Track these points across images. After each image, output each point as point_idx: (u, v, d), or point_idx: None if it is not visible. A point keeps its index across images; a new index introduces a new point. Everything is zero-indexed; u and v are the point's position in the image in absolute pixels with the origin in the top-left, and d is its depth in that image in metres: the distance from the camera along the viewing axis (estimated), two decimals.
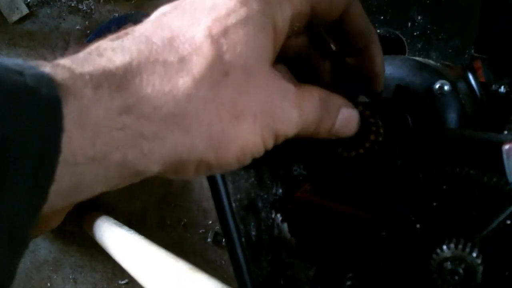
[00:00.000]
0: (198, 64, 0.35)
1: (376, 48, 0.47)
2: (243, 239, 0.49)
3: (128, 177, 0.34)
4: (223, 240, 1.74)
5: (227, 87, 0.35)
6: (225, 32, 0.36)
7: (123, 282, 1.72)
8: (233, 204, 0.48)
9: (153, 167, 0.34)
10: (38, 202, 0.29)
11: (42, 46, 1.50)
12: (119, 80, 0.32)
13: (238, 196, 0.48)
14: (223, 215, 0.47)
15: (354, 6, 0.44)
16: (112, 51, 0.34)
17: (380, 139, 0.48)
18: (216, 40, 0.36)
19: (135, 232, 1.13)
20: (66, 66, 0.32)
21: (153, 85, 0.33)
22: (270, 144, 0.39)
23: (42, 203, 0.30)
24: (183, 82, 0.34)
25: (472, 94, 0.63)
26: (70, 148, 0.30)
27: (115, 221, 1.27)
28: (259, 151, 0.38)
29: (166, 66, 0.34)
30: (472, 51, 0.65)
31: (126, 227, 1.17)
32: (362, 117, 0.48)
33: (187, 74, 0.34)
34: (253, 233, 0.49)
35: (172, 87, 0.34)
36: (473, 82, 0.63)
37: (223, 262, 1.78)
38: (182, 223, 1.77)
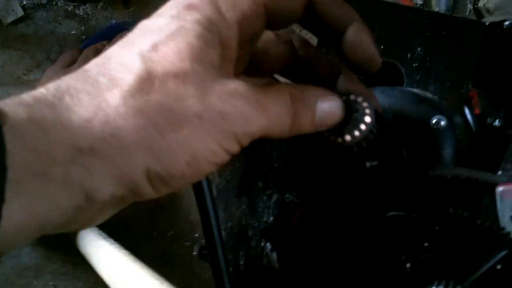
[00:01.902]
0: (126, 79, 0.35)
1: (359, 27, 0.45)
2: (231, 269, 0.49)
3: (82, 202, 0.33)
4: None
5: (161, 95, 0.35)
6: (154, 47, 0.36)
7: None
8: (223, 233, 0.47)
9: (103, 186, 0.33)
10: None
11: (36, 50, 1.49)
12: (48, 99, 0.33)
13: (229, 224, 0.47)
14: (213, 245, 0.46)
15: None
16: (50, 83, 0.35)
17: (371, 120, 0.46)
18: (145, 55, 0.36)
19: (119, 245, 1.12)
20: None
21: (83, 101, 0.33)
22: (232, 147, 0.38)
23: None
24: (112, 96, 0.34)
25: (467, 128, 0.63)
26: (13, 167, 0.29)
27: (100, 231, 1.26)
28: (218, 155, 0.37)
29: (95, 85, 0.34)
30: (470, 85, 0.65)
31: (111, 240, 1.16)
32: (349, 103, 0.46)
33: (115, 89, 0.34)
34: (242, 262, 0.48)
35: (100, 101, 0.34)
36: (469, 116, 0.63)
37: (207, 276, 1.77)
38: (169, 234, 1.76)
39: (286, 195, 0.55)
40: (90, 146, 0.32)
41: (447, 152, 0.57)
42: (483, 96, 0.74)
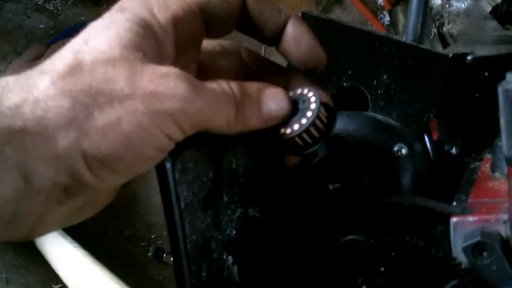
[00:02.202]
0: (55, 67, 0.36)
1: (296, 23, 0.47)
2: (194, 280, 0.50)
3: (22, 183, 0.33)
4: (164, 255, 1.73)
5: (90, 78, 0.35)
6: (85, 41, 0.38)
7: (57, 286, 1.69)
8: (188, 245, 0.48)
9: (41, 169, 0.34)
10: None
11: (3, 42, 1.48)
12: None
13: (194, 237, 0.48)
14: (178, 256, 0.47)
15: None
16: None
17: (311, 114, 0.45)
18: (77, 49, 0.37)
19: (78, 244, 1.12)
20: None
21: (14, 89, 0.34)
22: (171, 130, 0.38)
23: None
24: (41, 80, 0.35)
25: (426, 156, 0.65)
26: None
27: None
28: (157, 138, 0.37)
29: (26, 76, 0.36)
30: (432, 115, 0.68)
31: (70, 238, 1.15)
32: (296, 97, 0.47)
33: (44, 75, 0.35)
34: (204, 274, 0.49)
35: (30, 86, 0.34)
36: (428, 144, 0.66)
37: (161, 277, 1.77)
38: (125, 234, 1.75)
39: (250, 210, 0.56)
40: (21, 127, 0.33)
41: (406, 179, 0.59)
42: (441, 123, 0.76)
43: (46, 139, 0.34)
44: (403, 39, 0.71)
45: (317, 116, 0.45)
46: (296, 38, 0.47)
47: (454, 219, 0.50)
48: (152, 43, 0.40)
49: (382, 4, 1.55)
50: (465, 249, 0.48)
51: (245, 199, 0.56)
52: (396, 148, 0.59)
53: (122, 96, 0.36)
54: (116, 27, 0.38)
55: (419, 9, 0.73)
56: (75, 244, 1.09)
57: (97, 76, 0.36)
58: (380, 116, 0.65)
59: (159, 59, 0.40)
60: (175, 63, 0.42)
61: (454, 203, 0.54)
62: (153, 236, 1.77)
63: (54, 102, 0.34)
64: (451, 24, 1.40)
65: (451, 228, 0.50)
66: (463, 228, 0.49)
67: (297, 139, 0.46)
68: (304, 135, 0.46)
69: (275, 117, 0.45)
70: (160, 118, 0.36)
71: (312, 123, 0.45)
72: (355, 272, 0.49)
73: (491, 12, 1.38)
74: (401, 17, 1.47)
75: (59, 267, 1.04)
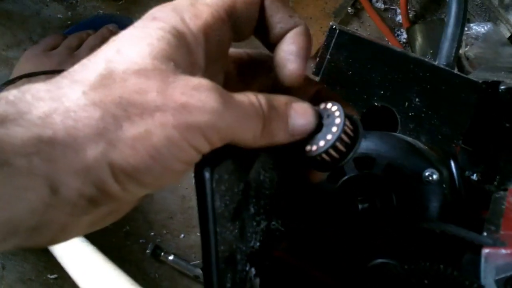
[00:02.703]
0: (87, 76, 0.36)
1: (295, 35, 0.46)
2: None
3: (48, 195, 0.33)
4: (162, 253, 1.72)
5: (121, 89, 0.35)
6: (117, 50, 0.37)
7: (52, 276, 1.68)
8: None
9: (68, 180, 0.33)
10: None
11: (19, 29, 1.47)
12: (10, 98, 0.33)
13: (222, 247, 0.48)
14: (209, 267, 0.47)
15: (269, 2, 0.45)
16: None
17: (337, 130, 0.44)
18: (108, 58, 0.37)
19: (85, 239, 1.11)
20: None
21: (43, 97, 0.34)
22: (199, 143, 0.37)
23: None
24: (72, 91, 0.35)
25: (453, 182, 0.65)
26: None
27: None
28: (185, 151, 0.37)
29: (57, 84, 0.35)
30: (460, 141, 0.68)
31: None
32: (321, 112, 0.46)
33: (76, 85, 0.35)
34: (228, 285, 0.49)
35: (61, 96, 0.34)
36: (454, 172, 0.66)
37: (157, 275, 1.76)
38: (124, 229, 1.74)
39: (272, 222, 0.56)
40: (50, 137, 0.32)
41: (434, 205, 0.59)
42: (463, 149, 0.76)
43: (75, 150, 0.33)
44: (436, 63, 0.71)
45: (343, 131, 0.45)
46: (286, 41, 0.46)
47: (486, 251, 0.50)
48: (184, 52, 0.39)
49: (400, 21, 1.55)
50: (497, 282, 0.48)
51: (269, 211, 0.56)
52: (427, 173, 0.59)
53: (153, 107, 0.35)
54: (149, 36, 0.38)
55: (455, 34, 0.73)
56: (82, 238, 1.08)
57: (129, 87, 0.35)
58: (410, 139, 0.65)
59: (190, 68, 0.40)
60: (206, 72, 0.42)
61: (485, 234, 0.53)
62: (152, 233, 1.77)
63: (85, 112, 0.34)
64: (468, 47, 1.40)
65: (482, 259, 0.50)
66: (495, 260, 0.49)
67: (324, 155, 0.45)
68: (331, 151, 0.45)
69: (301, 133, 0.44)
70: (190, 131, 0.36)
71: (338, 139, 0.45)
72: None
73: (509, 38, 1.39)
74: (418, 37, 1.47)
75: (64, 259, 1.03)
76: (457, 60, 1.45)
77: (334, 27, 0.68)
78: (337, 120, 0.45)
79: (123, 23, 1.43)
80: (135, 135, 0.34)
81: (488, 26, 1.37)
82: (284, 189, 0.58)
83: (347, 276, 0.55)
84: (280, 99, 0.43)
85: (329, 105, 0.46)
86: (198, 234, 1.57)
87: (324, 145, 0.44)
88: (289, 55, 0.46)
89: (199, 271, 1.81)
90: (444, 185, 0.61)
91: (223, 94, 0.38)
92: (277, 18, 0.46)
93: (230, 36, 0.44)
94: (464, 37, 1.41)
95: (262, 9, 0.45)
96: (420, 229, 0.55)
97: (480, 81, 0.68)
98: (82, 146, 0.33)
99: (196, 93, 0.36)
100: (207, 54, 0.42)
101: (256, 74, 0.51)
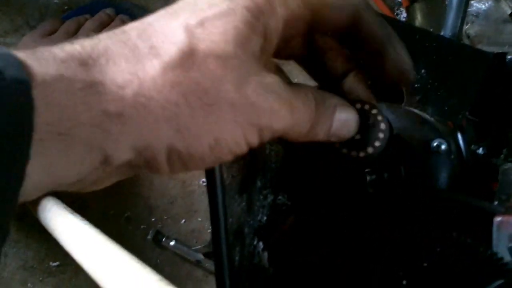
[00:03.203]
0: (168, 50, 0.34)
1: (396, 46, 0.46)
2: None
3: (99, 164, 0.33)
4: (163, 239, 1.72)
5: (199, 74, 0.34)
6: (201, 23, 0.36)
7: (55, 264, 1.68)
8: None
9: (122, 152, 0.33)
10: (16, 184, 0.29)
11: (17, 14, 1.46)
12: (83, 58, 0.32)
13: (230, 220, 0.47)
14: (218, 241, 0.46)
15: (366, 13, 0.44)
16: (85, 39, 0.34)
17: (384, 137, 0.46)
18: (191, 29, 0.35)
19: (88, 222, 1.11)
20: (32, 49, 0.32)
21: (119, 65, 0.33)
22: (253, 140, 0.38)
23: (20, 185, 0.29)
24: (151, 65, 0.34)
25: (460, 154, 0.64)
26: (38, 125, 0.29)
27: (65, 205, 1.24)
28: (239, 145, 0.37)
29: (134, 50, 0.34)
30: (467, 112, 0.67)
31: (79, 216, 1.14)
32: (364, 115, 0.46)
33: (155, 58, 0.34)
34: (237, 258, 0.49)
35: (138, 69, 0.33)
36: (461, 143, 0.65)
37: (158, 261, 1.76)
38: (126, 215, 1.74)
39: (279, 197, 0.55)
40: (118, 112, 0.32)
41: (443, 175, 0.59)
42: (469, 123, 0.76)
43: (139, 129, 0.33)
44: (442, 34, 0.70)
45: (385, 146, 0.46)
46: (397, 62, 0.47)
47: (498, 219, 0.49)
48: (261, 40, 0.38)
49: (400, 0, 1.54)
50: (510, 249, 0.47)
51: (275, 185, 0.56)
52: (435, 144, 0.59)
53: (225, 101, 0.35)
54: (235, 16, 0.36)
55: (460, 4, 0.72)
56: (86, 222, 1.07)
57: (207, 72, 0.35)
58: (416, 111, 0.64)
59: (262, 55, 0.39)
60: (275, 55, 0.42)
61: (496, 203, 0.53)
62: (153, 219, 1.76)
63: (159, 94, 0.33)
64: (469, 24, 1.39)
65: (495, 227, 0.49)
66: (507, 228, 0.49)
67: (359, 160, 0.47)
68: (367, 161, 0.47)
69: (339, 138, 0.45)
70: (251, 129, 0.37)
71: (378, 153, 0.46)
72: (396, 265, 0.48)
73: (510, 15, 1.38)
74: (418, 15, 1.46)
75: (71, 246, 1.03)
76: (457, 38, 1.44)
77: None
78: (382, 126, 0.46)
79: (121, 8, 1.42)
80: (203, 126, 0.35)
81: (489, 3, 1.36)
82: (290, 162, 0.57)
83: (357, 251, 0.54)
84: (332, 100, 0.43)
85: (367, 106, 0.46)
86: (199, 219, 1.58)
87: (374, 152, 0.46)
88: (402, 59, 0.47)
89: (201, 257, 1.81)
90: (452, 156, 0.60)
91: (288, 98, 0.38)
92: (377, 33, 0.45)
93: (304, 32, 0.44)
94: None
95: (355, 23, 0.44)
96: (431, 197, 0.54)
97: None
98: (149, 126, 0.33)
99: (266, 94, 0.36)
100: (280, 43, 0.41)
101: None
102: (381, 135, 0.46)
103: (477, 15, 1.40)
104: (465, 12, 0.72)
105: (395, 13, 1.56)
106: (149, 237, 1.74)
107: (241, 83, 0.36)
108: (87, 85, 0.32)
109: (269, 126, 0.37)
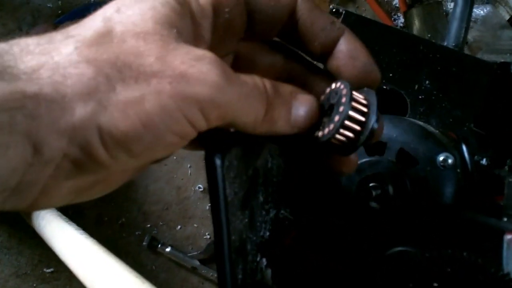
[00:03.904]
0: (83, 33, 0.33)
1: (351, 38, 0.43)
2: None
3: (30, 156, 0.31)
4: (159, 245, 1.71)
5: (119, 50, 0.33)
6: (118, 9, 0.35)
7: (49, 270, 1.67)
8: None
9: (52, 138, 0.31)
10: None
11: (9, 18, 1.44)
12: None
13: (233, 237, 0.46)
14: (222, 258, 0.45)
15: (301, 3, 0.41)
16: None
17: (338, 118, 0.40)
18: (107, 16, 0.34)
19: (83, 231, 1.10)
20: None
21: (33, 52, 0.31)
22: (196, 118, 0.34)
23: None
24: (65, 46, 0.32)
25: (465, 167, 0.63)
26: None
27: (59, 213, 1.23)
28: (179, 123, 0.34)
29: (51, 39, 0.33)
30: (472, 125, 0.66)
31: (74, 225, 1.13)
32: (329, 95, 0.42)
33: (70, 41, 0.32)
34: (240, 276, 0.47)
35: (51, 50, 0.32)
36: (466, 155, 0.64)
37: (154, 267, 1.75)
38: (120, 222, 1.73)
39: (281, 211, 0.54)
40: (36, 93, 0.30)
41: (449, 190, 0.57)
42: (471, 133, 0.75)
43: (61, 108, 0.31)
44: (445, 44, 0.69)
45: (351, 108, 0.40)
46: (352, 55, 0.42)
47: (509, 237, 0.48)
48: (188, 22, 0.37)
49: (397, 5, 1.53)
50: None
51: (277, 200, 0.55)
52: (441, 158, 0.57)
53: (149, 72, 0.33)
54: (153, 0, 0.35)
55: (463, 14, 0.71)
56: (81, 231, 1.06)
57: (126, 48, 0.33)
58: (420, 123, 0.63)
59: (194, 40, 0.37)
60: (211, 48, 0.40)
61: (505, 219, 0.52)
62: (148, 225, 1.75)
63: (76, 69, 0.31)
64: None
65: (505, 245, 0.48)
66: None
67: (337, 137, 0.40)
68: (343, 132, 0.40)
69: (302, 124, 0.41)
70: (186, 102, 0.33)
71: (347, 117, 0.40)
72: (405, 287, 0.47)
73: (509, 20, 1.37)
74: (416, 20, 1.46)
75: (64, 253, 1.01)
76: None
77: (340, 10, 0.66)
78: (344, 99, 0.40)
79: None
80: (128, 99, 0.32)
81: (487, 8, 1.35)
82: (291, 176, 0.56)
83: (362, 266, 0.53)
84: (286, 87, 0.41)
85: (338, 84, 0.42)
86: (195, 225, 1.57)
87: (330, 130, 0.40)
88: (365, 68, 0.43)
89: (196, 263, 1.79)
90: (458, 170, 0.59)
91: (226, 70, 0.35)
92: (319, 27, 0.42)
93: (244, 21, 0.42)
94: None
95: (295, 16, 0.42)
96: (439, 215, 0.53)
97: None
98: (70, 105, 0.31)
99: (198, 64, 0.34)
100: (214, 30, 0.40)
101: (270, 60, 0.48)
102: (341, 108, 0.40)
103: (475, 20, 1.39)
104: (468, 22, 0.71)
105: (393, 19, 1.56)
106: (144, 243, 1.73)
107: (165, 55, 0.33)
108: (1, 69, 0.30)
109: (209, 100, 0.34)
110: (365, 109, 0.40)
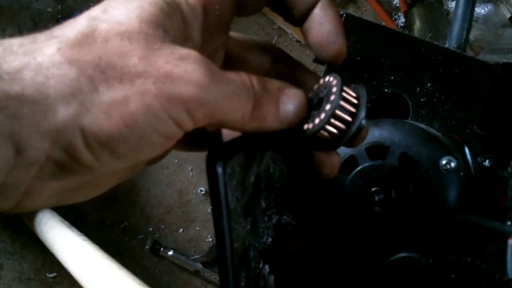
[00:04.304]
0: (67, 33, 0.33)
1: (325, 5, 0.43)
2: None
3: (13, 156, 0.30)
4: (161, 249, 1.70)
5: (102, 50, 0.32)
6: (104, 9, 0.35)
7: (51, 275, 1.67)
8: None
9: (35, 141, 0.31)
10: None
11: (9, 23, 1.44)
12: None
13: (236, 244, 0.45)
14: (225, 266, 0.44)
15: None
16: None
17: (330, 107, 0.40)
18: (93, 17, 0.34)
19: (87, 238, 1.09)
20: None
21: (16, 52, 0.31)
22: (182, 118, 0.34)
23: None
24: (48, 46, 0.32)
25: (468, 170, 0.63)
26: None
27: (61, 218, 1.22)
28: (165, 123, 0.33)
29: (34, 40, 0.32)
30: (475, 127, 0.65)
31: (77, 231, 1.12)
32: (325, 87, 0.42)
33: (53, 42, 0.32)
34: (243, 284, 0.47)
35: (35, 52, 0.31)
36: (469, 158, 0.63)
37: (156, 271, 1.75)
38: (122, 225, 1.72)
39: (283, 217, 0.54)
40: (18, 93, 0.30)
41: (452, 194, 0.57)
42: (474, 135, 0.74)
43: (44, 109, 0.30)
44: (447, 45, 0.69)
45: (342, 99, 0.40)
46: (320, 21, 0.42)
47: None
48: (177, 22, 0.36)
49: (398, 5, 1.53)
50: None
51: (279, 205, 0.54)
52: (444, 161, 0.57)
53: (134, 73, 0.32)
54: (139, 0, 0.35)
55: (465, 15, 0.70)
56: (83, 237, 1.05)
57: (110, 48, 0.33)
58: (423, 126, 0.63)
59: (183, 41, 0.37)
60: (202, 48, 0.39)
61: (509, 223, 0.51)
62: (151, 229, 1.75)
63: (58, 70, 0.31)
64: None
65: (509, 249, 0.48)
66: None
67: (323, 132, 0.41)
68: (328, 127, 0.40)
69: (291, 119, 0.40)
70: (171, 102, 0.33)
71: (338, 107, 0.40)
72: None
73: (510, 19, 1.36)
74: (416, 20, 1.45)
75: (67, 259, 1.01)
76: None
77: (341, 13, 0.65)
78: (334, 89, 0.40)
79: None
80: (111, 100, 0.32)
81: (488, 7, 1.35)
82: (294, 181, 0.56)
83: (365, 272, 0.52)
84: (273, 83, 0.40)
85: (327, 78, 0.42)
86: (197, 228, 1.57)
87: (320, 121, 0.40)
88: (329, 35, 0.43)
89: (199, 266, 1.79)
90: (461, 173, 0.58)
91: (212, 68, 0.35)
92: None
93: (233, 9, 0.42)
94: None
95: None
96: (442, 219, 0.52)
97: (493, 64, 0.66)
98: (52, 106, 0.30)
99: (182, 63, 0.33)
100: (205, 29, 0.39)
101: (259, 60, 0.48)
102: (332, 97, 0.40)
103: (476, 19, 1.39)
104: (470, 23, 0.71)
105: (393, 18, 1.55)
106: (146, 247, 1.73)
107: (149, 55, 0.33)
108: None
109: (194, 99, 0.34)
110: (355, 101, 0.41)
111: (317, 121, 0.40)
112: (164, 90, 0.32)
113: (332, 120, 0.40)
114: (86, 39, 0.32)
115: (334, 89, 0.40)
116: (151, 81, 0.32)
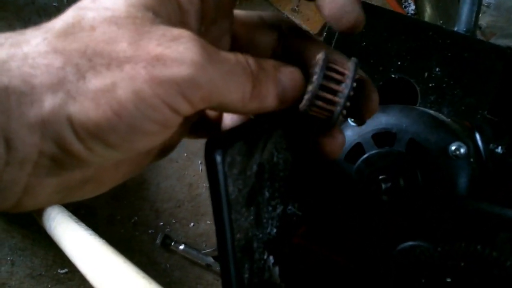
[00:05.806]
0: (53, 24, 0.32)
1: None
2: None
3: (3, 150, 0.29)
4: (172, 243, 1.70)
5: (89, 38, 0.31)
6: (93, 0, 0.33)
7: (63, 271, 1.67)
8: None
9: (24, 134, 0.30)
10: None
11: (14, 18, 1.44)
12: None
13: (238, 236, 0.44)
14: (226, 259, 0.43)
15: None
16: None
17: (315, 84, 0.39)
18: (81, 7, 0.33)
19: (94, 233, 1.09)
20: None
21: (2, 45, 0.30)
22: (177, 103, 0.32)
23: None
24: (34, 37, 0.31)
25: (479, 156, 0.61)
26: None
27: (70, 213, 1.22)
28: (158, 109, 0.32)
29: (21, 33, 0.31)
30: (486, 112, 0.64)
31: (84, 225, 1.12)
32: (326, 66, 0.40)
33: (40, 32, 0.31)
34: (246, 275, 0.46)
35: (21, 42, 0.30)
36: (480, 144, 0.62)
37: (168, 265, 1.74)
38: (133, 220, 1.72)
39: (289, 207, 0.52)
40: (5, 85, 0.29)
41: (463, 180, 0.55)
42: (486, 121, 0.72)
43: (31, 100, 0.29)
44: (456, 29, 0.67)
45: (324, 77, 0.39)
46: (344, 2, 0.42)
47: None
48: (171, 7, 0.35)
49: None
50: None
51: (284, 195, 0.53)
52: (453, 147, 0.55)
53: (122, 58, 0.31)
54: None
55: None
56: (91, 232, 1.05)
57: (97, 36, 0.31)
58: (431, 112, 0.61)
59: (169, 16, 0.35)
60: (205, 33, 0.38)
61: None
62: (161, 223, 1.74)
63: (44, 59, 0.30)
64: (480, 15, 1.35)
65: None
66: None
67: (314, 109, 0.40)
68: (318, 103, 0.39)
69: (290, 96, 0.39)
70: (164, 86, 0.31)
71: (320, 86, 0.39)
72: (416, 282, 0.45)
73: None
74: (427, 7, 1.43)
75: (74, 254, 1.01)
76: None
77: None
78: (317, 68, 0.39)
79: None
80: (98, 88, 0.30)
81: None
82: (299, 170, 0.54)
83: (373, 261, 0.51)
84: (269, 62, 0.39)
85: (320, 56, 0.40)
86: (208, 222, 1.56)
87: (307, 98, 0.39)
88: (344, 5, 0.40)
89: (211, 260, 1.78)
90: (471, 159, 0.56)
91: (206, 47, 0.33)
92: None
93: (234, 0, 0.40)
94: None
95: None
96: (451, 207, 0.51)
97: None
98: (39, 97, 0.29)
99: (174, 44, 0.32)
100: (205, 16, 0.38)
101: (267, 39, 0.46)
102: (314, 77, 0.39)
103: (488, 5, 1.37)
104: (479, 5, 0.69)
105: (403, 6, 1.53)
106: (157, 241, 1.72)
107: (139, 39, 0.32)
108: None
109: (189, 81, 0.32)
110: (339, 77, 0.39)
111: (304, 98, 0.39)
112: (156, 74, 0.31)
113: (315, 101, 0.39)
114: (72, 28, 0.31)
115: (316, 68, 0.39)
116: (141, 65, 0.31)
